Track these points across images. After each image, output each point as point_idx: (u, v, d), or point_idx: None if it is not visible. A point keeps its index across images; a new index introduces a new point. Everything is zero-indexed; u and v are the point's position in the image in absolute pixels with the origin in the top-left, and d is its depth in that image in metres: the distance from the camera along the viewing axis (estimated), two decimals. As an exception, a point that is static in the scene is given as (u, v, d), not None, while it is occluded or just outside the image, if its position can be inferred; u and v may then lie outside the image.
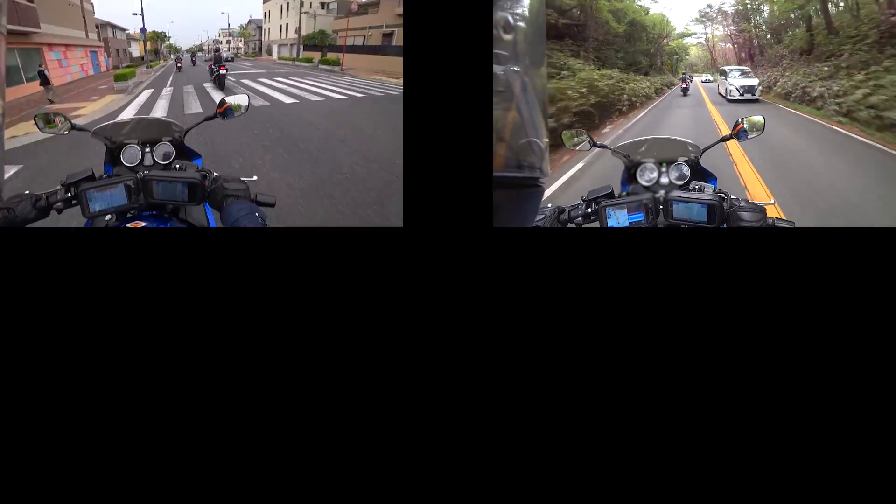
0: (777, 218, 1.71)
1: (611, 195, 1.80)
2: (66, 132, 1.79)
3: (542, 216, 1.80)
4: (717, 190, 1.75)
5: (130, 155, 1.74)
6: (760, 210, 1.66)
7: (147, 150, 1.74)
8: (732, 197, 1.71)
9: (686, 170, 1.79)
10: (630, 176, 1.84)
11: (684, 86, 11.56)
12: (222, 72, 8.17)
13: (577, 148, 1.89)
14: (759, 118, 1.83)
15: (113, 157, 1.75)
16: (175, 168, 1.74)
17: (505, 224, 1.03)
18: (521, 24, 0.89)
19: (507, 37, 0.86)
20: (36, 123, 1.78)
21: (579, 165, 5.79)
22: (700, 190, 1.76)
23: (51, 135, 1.85)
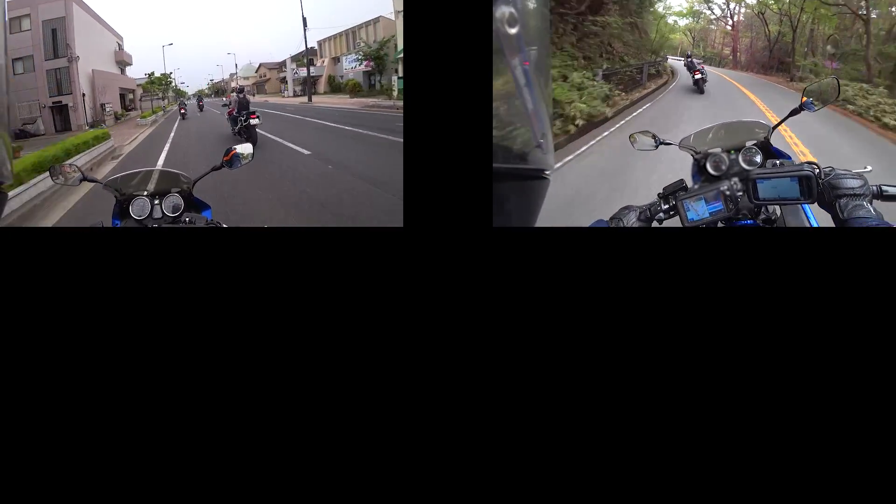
0: (884, 184, 1.50)
1: (685, 188, 1.70)
2: (77, 183, 1.83)
3: (621, 220, 1.72)
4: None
5: (139, 207, 1.76)
6: (860, 177, 1.47)
7: (156, 202, 1.77)
8: (825, 167, 1.52)
9: (756, 153, 1.67)
10: (700, 168, 1.75)
11: (697, 76, 7.12)
12: (253, 121, 6.05)
13: (643, 147, 1.85)
14: (819, 85, 1.69)
15: (122, 208, 1.77)
16: (184, 221, 1.76)
17: (510, 216, 1.03)
18: (525, 20, 0.90)
19: (512, 31, 0.87)
20: (49, 173, 1.84)
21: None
22: (781, 165, 1.58)
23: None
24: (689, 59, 7.43)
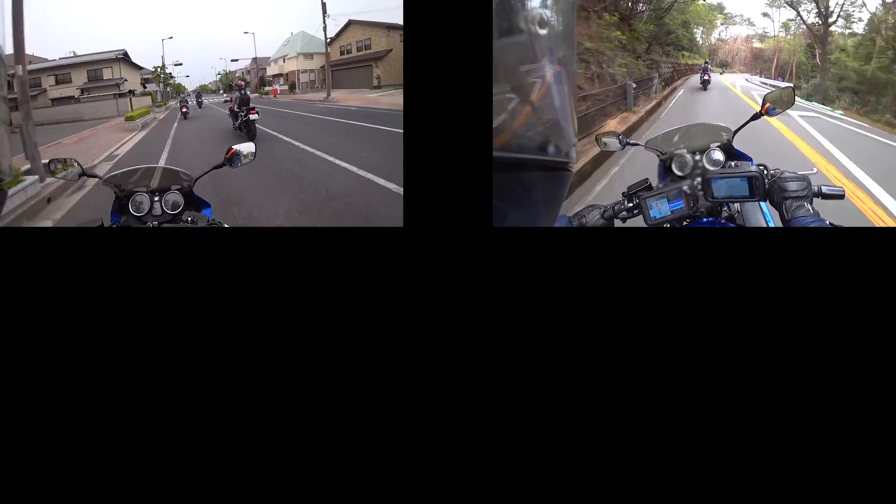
0: (823, 185, 1.63)
1: (649, 188, 1.78)
2: (76, 178, 1.82)
3: (584, 217, 1.79)
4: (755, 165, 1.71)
5: (138, 204, 1.74)
6: (804, 179, 1.60)
7: (156, 198, 1.75)
8: (773, 169, 1.66)
9: (719, 154, 1.76)
10: (666, 168, 1.83)
11: (705, 77, 9.83)
12: (253, 116, 6.27)
13: (610, 147, 1.91)
14: (778, 92, 1.81)
15: (122, 205, 1.75)
16: (184, 220, 1.75)
17: (535, 206, 1.05)
18: (553, 16, 0.92)
19: (542, 31, 0.89)
20: (48, 167, 1.81)
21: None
22: (736, 166, 1.72)
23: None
24: (706, 64, 10.34)
